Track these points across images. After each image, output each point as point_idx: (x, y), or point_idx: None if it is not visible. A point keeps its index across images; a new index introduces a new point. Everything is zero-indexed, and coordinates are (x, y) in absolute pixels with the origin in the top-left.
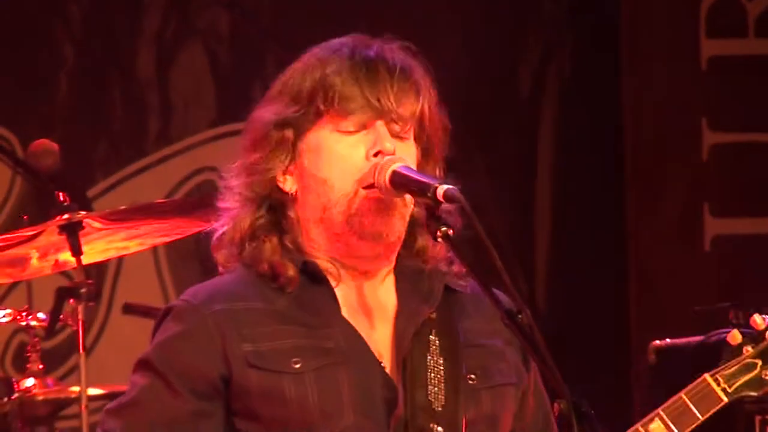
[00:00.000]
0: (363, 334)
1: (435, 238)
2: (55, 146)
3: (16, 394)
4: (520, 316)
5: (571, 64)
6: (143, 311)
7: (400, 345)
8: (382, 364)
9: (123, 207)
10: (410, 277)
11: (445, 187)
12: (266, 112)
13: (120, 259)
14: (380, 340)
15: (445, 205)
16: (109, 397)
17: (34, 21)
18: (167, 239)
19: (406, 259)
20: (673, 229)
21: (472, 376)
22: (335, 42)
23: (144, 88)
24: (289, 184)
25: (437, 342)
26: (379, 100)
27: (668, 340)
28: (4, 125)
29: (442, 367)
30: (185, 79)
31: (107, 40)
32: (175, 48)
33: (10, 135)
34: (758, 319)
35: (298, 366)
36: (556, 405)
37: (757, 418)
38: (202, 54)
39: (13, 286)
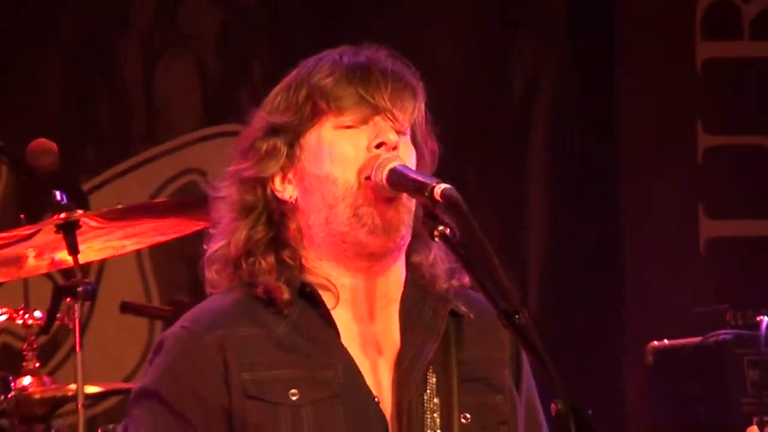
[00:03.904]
0: (361, 367)
1: (432, 238)
2: (54, 146)
3: (12, 393)
4: (517, 316)
5: (565, 65)
6: (140, 310)
7: (401, 387)
8: (376, 401)
9: (120, 206)
10: (414, 304)
11: (443, 186)
12: (256, 123)
13: (103, 259)
14: (379, 375)
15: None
16: (105, 394)
17: (23, 25)
18: (164, 238)
19: (411, 284)
20: (668, 231)
21: (467, 415)
22: (323, 54)
23: (131, 91)
24: (288, 192)
25: (434, 380)
26: (374, 98)
27: (666, 341)
28: None
29: (437, 407)
30: (172, 83)
31: (95, 44)
32: (162, 53)
33: None
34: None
35: (295, 398)
36: (553, 406)
37: (755, 420)
38: (189, 58)
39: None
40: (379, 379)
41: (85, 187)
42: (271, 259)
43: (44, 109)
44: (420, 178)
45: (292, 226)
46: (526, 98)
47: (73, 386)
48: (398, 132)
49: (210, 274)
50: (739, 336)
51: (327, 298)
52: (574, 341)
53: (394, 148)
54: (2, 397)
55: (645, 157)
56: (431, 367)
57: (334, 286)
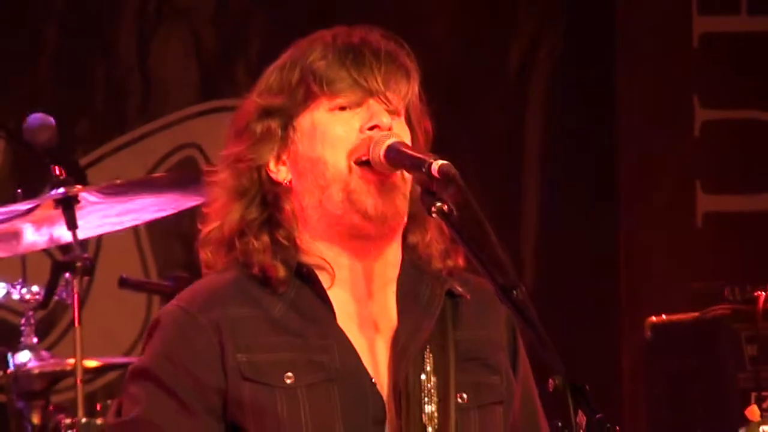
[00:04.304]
0: (358, 348)
1: (430, 214)
2: (51, 120)
3: (11, 368)
4: (515, 292)
5: (563, 42)
6: (138, 285)
7: (398, 366)
8: (373, 381)
9: (119, 181)
10: (411, 284)
11: (441, 162)
12: (250, 104)
13: (101, 235)
14: (376, 354)
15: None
16: (103, 369)
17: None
18: (163, 214)
19: (408, 264)
20: (665, 206)
21: (464, 395)
22: (317, 34)
23: (126, 65)
24: (282, 174)
25: (431, 359)
26: (367, 81)
27: (664, 316)
28: None
29: (434, 387)
30: (168, 57)
31: (89, 18)
32: (157, 26)
33: None
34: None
35: (290, 381)
36: (550, 381)
37: (753, 395)
38: (185, 32)
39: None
40: (376, 358)
41: (81, 162)
42: (265, 238)
43: (38, 84)
44: (417, 154)
45: (287, 207)
46: (523, 73)
47: (71, 361)
48: (392, 113)
49: (205, 255)
50: (736, 311)
51: (323, 278)
52: (571, 317)
53: (389, 130)
54: (1, 372)
55: (642, 132)
56: (428, 346)
57: (330, 266)
